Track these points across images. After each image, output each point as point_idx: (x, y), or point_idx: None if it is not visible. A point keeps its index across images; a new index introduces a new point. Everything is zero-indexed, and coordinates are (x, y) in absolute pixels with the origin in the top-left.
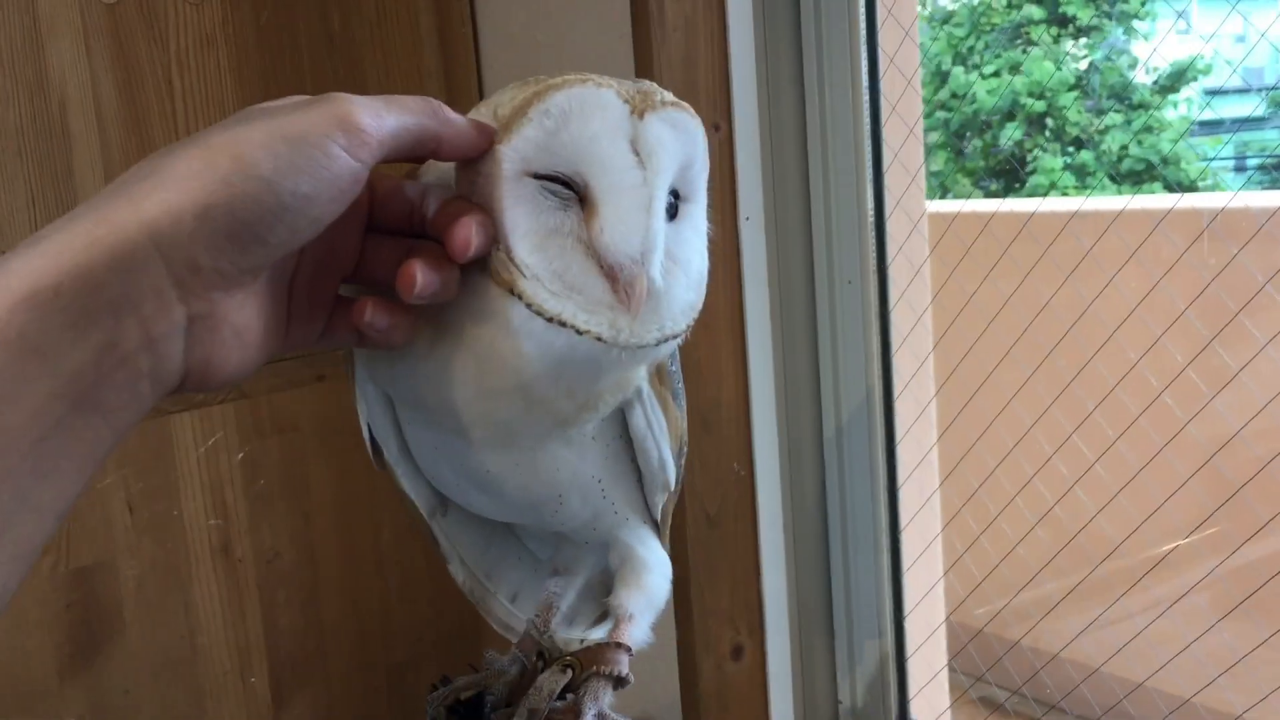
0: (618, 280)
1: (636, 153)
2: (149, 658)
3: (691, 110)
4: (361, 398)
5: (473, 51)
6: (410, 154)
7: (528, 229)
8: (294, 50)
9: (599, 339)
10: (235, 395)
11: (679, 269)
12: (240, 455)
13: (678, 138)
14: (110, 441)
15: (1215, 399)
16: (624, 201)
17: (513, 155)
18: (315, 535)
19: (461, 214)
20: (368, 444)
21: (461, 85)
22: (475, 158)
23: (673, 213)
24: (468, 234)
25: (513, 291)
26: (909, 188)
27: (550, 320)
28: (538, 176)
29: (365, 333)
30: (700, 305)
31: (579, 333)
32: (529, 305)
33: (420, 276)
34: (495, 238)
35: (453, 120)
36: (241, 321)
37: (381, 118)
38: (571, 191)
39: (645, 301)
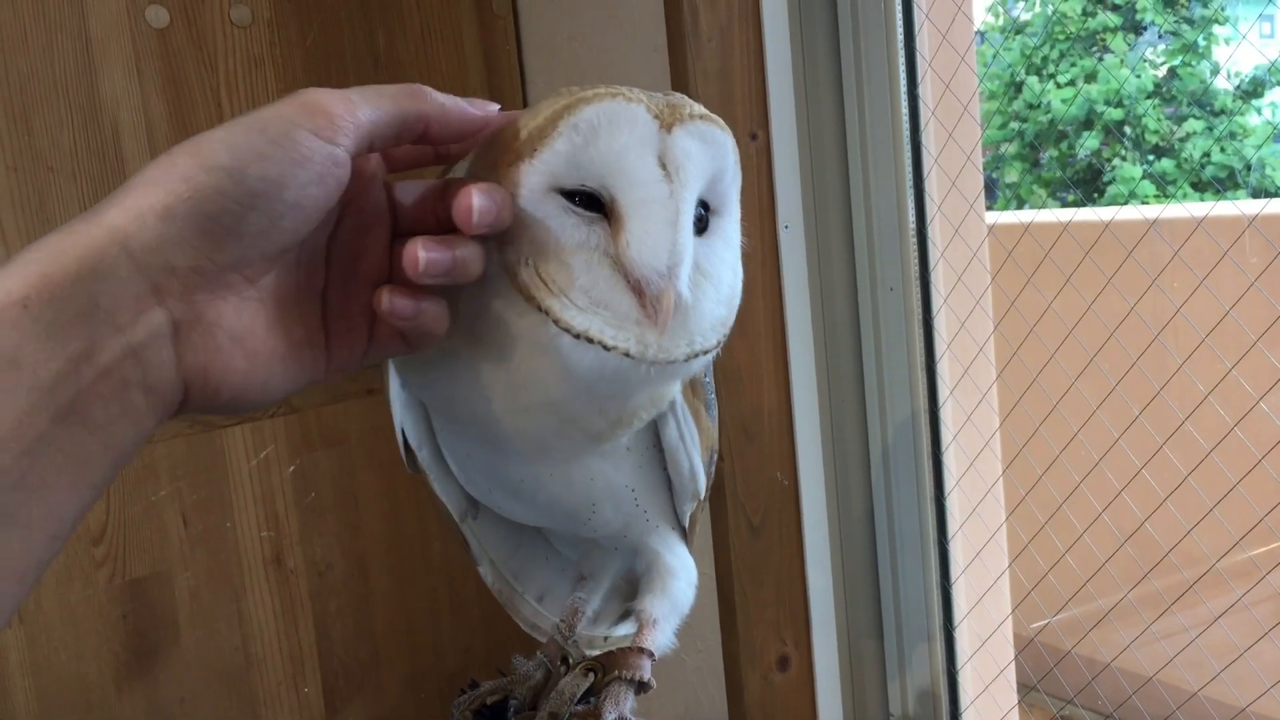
0: (645, 295)
1: (664, 166)
2: (204, 667)
3: (721, 122)
4: (396, 402)
5: (517, 68)
6: (399, 138)
7: (555, 244)
8: (340, 70)
9: (627, 354)
10: (285, 410)
11: (709, 283)
12: (291, 468)
13: (706, 150)
14: (104, 458)
15: (1274, 406)
16: (651, 215)
17: (541, 169)
18: (366, 546)
19: (465, 185)
20: (401, 447)
21: (507, 103)
22: (476, 137)
23: (702, 226)
24: (468, 202)
25: (540, 308)
26: (950, 192)
27: (577, 336)
28: (564, 192)
29: (395, 325)
30: (731, 321)
31: (606, 348)
32: (556, 321)
33: (423, 252)
34: (506, 212)
35: (439, 100)
36: (241, 327)
37: (352, 103)
38: (598, 210)
39: (673, 316)
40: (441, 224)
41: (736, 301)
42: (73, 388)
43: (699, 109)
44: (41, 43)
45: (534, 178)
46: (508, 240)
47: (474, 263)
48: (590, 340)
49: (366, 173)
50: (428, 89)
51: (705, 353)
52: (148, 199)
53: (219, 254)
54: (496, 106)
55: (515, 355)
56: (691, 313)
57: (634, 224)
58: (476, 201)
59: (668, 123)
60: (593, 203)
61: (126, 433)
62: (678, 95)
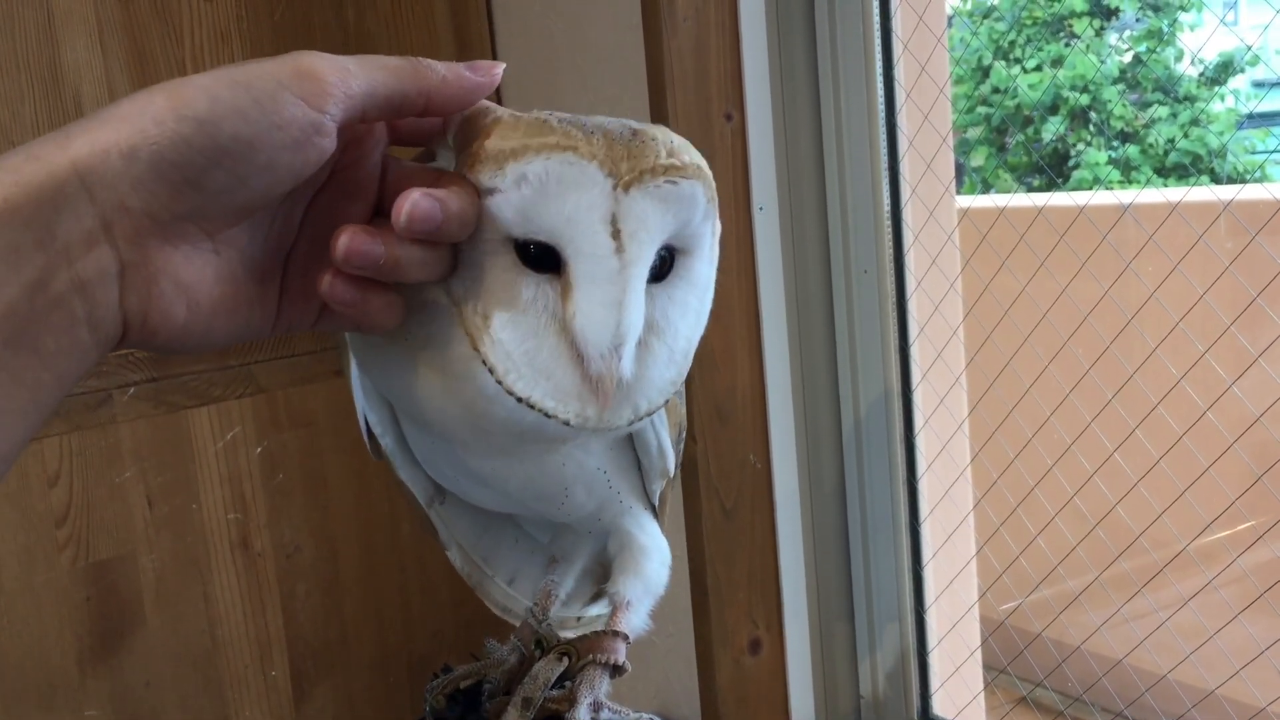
0: (585, 366)
1: (616, 234)
2: (169, 651)
3: (691, 169)
4: (358, 388)
5: (489, 45)
6: (396, 112)
7: (505, 298)
8: (309, 45)
9: (566, 424)
10: (252, 390)
11: (660, 342)
12: (259, 450)
13: (667, 210)
14: (53, 389)
15: (1245, 390)
16: (597, 294)
17: (491, 212)
18: (334, 529)
19: (412, 184)
20: (364, 434)
21: None
22: (467, 108)
23: (665, 270)
24: (402, 204)
25: (485, 363)
26: (924, 176)
27: (519, 400)
28: (516, 243)
29: (337, 310)
30: (683, 378)
31: (547, 416)
32: (499, 381)
33: (346, 241)
34: (456, 222)
35: (440, 72)
36: (188, 278)
37: (348, 72)
38: (551, 265)
39: (615, 394)
40: None
41: (691, 352)
42: (25, 315)
43: (665, 158)
44: (1, 12)
45: (484, 220)
46: (458, 276)
47: (419, 265)
48: (531, 406)
49: (368, 142)
50: (429, 63)
51: (651, 413)
52: (115, 135)
53: (175, 203)
54: (501, 67)
55: (467, 395)
56: (637, 384)
57: (580, 296)
58: (407, 206)
59: (626, 181)
60: (545, 255)
61: (72, 364)
62: (648, 134)
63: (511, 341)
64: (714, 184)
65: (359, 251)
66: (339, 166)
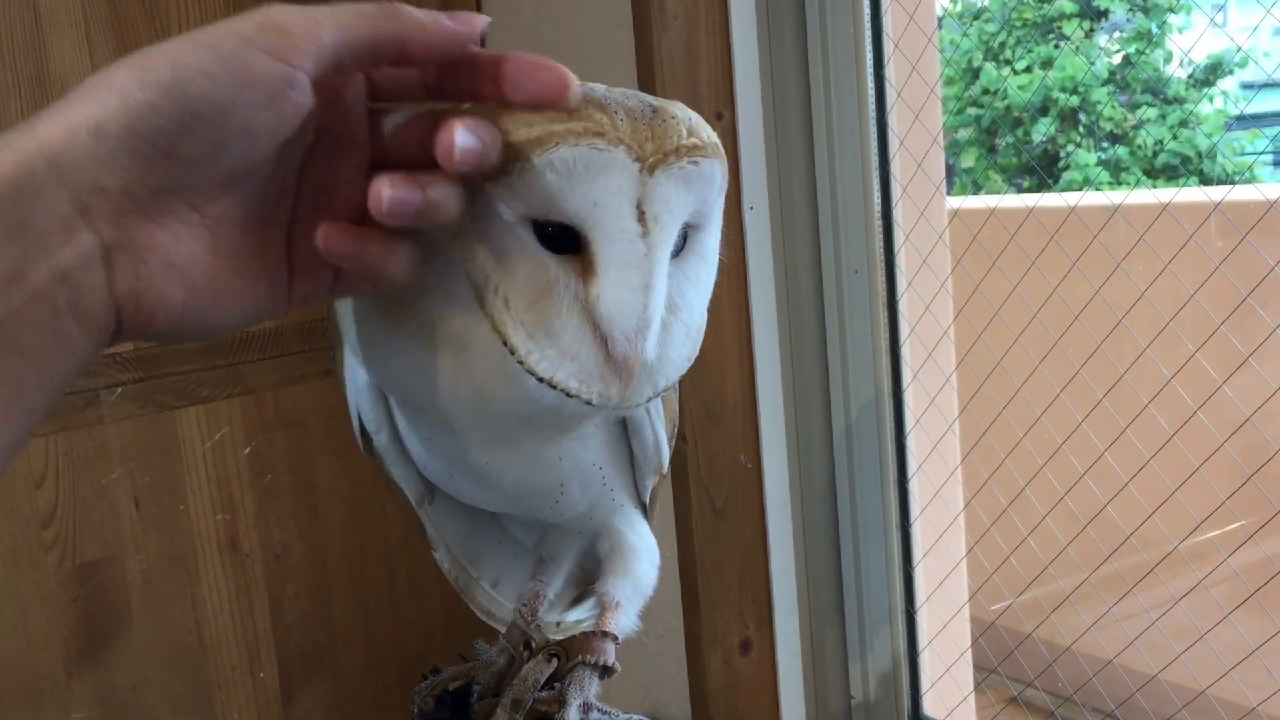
0: (610, 348)
1: (642, 215)
2: (156, 652)
3: (710, 148)
4: (350, 384)
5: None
6: (374, 60)
7: (525, 279)
8: None
9: (589, 403)
10: (240, 390)
11: (678, 320)
12: (247, 450)
13: (689, 190)
14: (40, 388)
15: (1235, 390)
16: (622, 277)
17: (510, 196)
18: (323, 530)
19: (451, 118)
20: (356, 431)
21: None
22: (456, 55)
23: (680, 246)
24: (451, 138)
25: (506, 344)
26: (915, 175)
27: (541, 380)
28: (536, 224)
29: (344, 265)
30: (696, 352)
31: (569, 395)
32: (521, 363)
33: (389, 190)
34: (493, 152)
35: (418, 17)
36: (181, 256)
37: (316, 22)
38: (571, 245)
39: (637, 375)
40: (429, 157)
41: (704, 325)
42: (3, 310)
43: (686, 138)
44: None
45: (502, 204)
46: (474, 258)
47: (450, 204)
48: (554, 386)
49: (346, 97)
50: (403, 7)
51: (669, 388)
52: (81, 113)
53: (152, 177)
54: (484, 20)
55: (480, 375)
56: (657, 364)
57: (605, 280)
58: (459, 138)
59: (651, 164)
60: (564, 235)
61: (60, 360)
62: (668, 112)
63: (534, 323)
64: (726, 160)
65: (402, 200)
66: (323, 125)
